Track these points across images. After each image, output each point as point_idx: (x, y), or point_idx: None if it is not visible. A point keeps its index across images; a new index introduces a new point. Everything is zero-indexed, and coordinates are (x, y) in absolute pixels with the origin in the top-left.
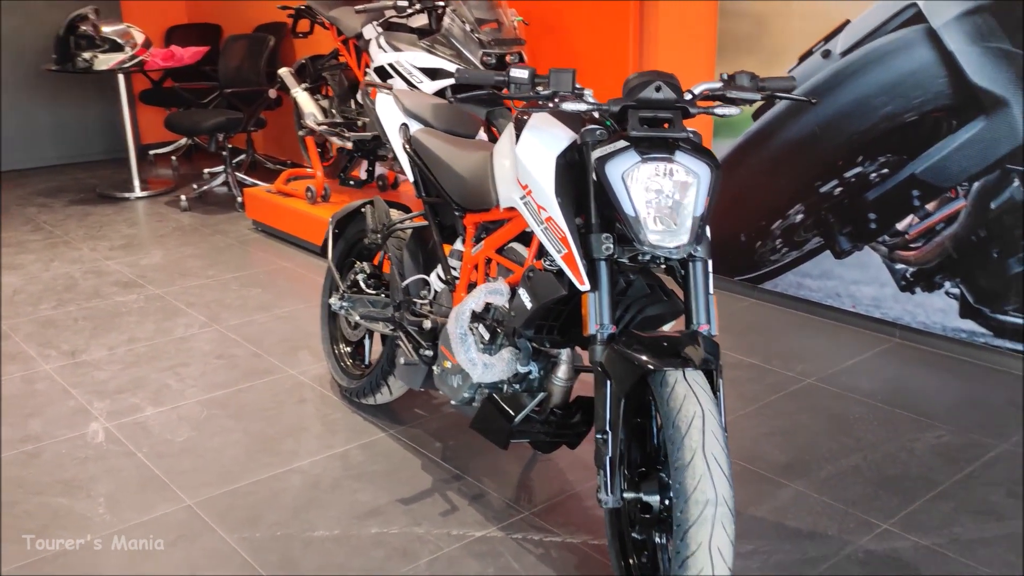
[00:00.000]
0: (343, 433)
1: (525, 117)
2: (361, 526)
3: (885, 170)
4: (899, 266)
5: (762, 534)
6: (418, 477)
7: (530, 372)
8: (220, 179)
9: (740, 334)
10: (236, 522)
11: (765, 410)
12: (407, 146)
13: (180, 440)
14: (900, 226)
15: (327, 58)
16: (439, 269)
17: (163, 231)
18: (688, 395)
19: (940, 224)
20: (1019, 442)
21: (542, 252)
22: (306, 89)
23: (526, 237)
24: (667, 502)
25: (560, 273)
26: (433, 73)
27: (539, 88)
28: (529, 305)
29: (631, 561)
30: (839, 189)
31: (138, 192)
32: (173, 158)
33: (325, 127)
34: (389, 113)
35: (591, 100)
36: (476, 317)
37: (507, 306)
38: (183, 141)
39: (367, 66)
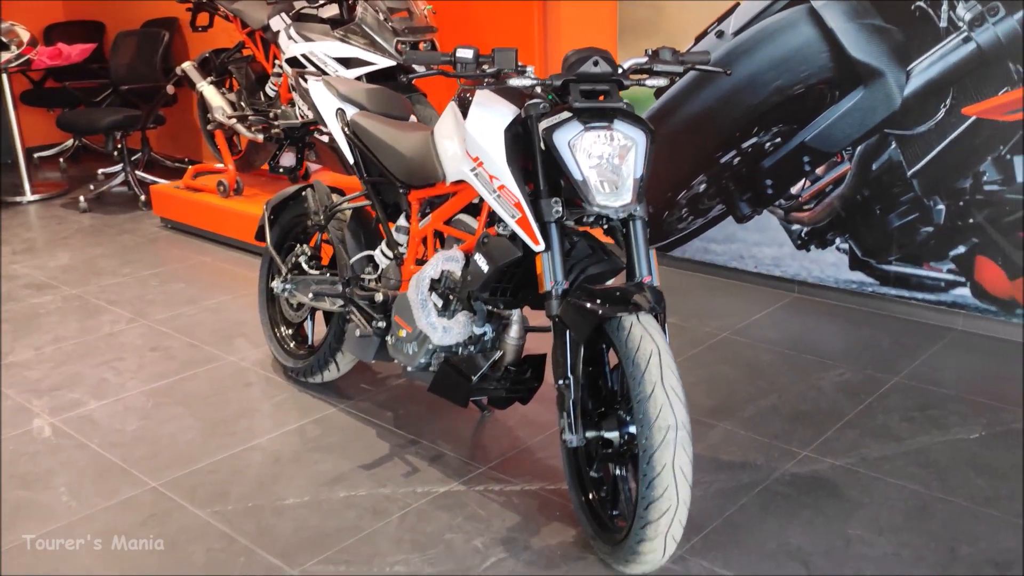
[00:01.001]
0: (294, 411)
1: (468, 95)
2: (329, 492)
3: (778, 139)
4: (795, 227)
5: (700, 468)
6: (376, 445)
7: (485, 333)
8: (119, 179)
9: None
10: (205, 498)
11: (688, 362)
12: (346, 129)
13: (131, 429)
14: (794, 190)
15: (232, 51)
16: (383, 245)
17: (65, 233)
18: (644, 336)
19: (829, 186)
20: (909, 374)
21: (491, 220)
22: (211, 83)
23: (472, 209)
24: (626, 436)
25: (513, 237)
26: (348, 62)
27: (484, 67)
28: (486, 269)
29: (591, 497)
30: (737, 159)
31: (29, 196)
32: (61, 160)
33: (235, 120)
34: (324, 99)
35: (534, 76)
36: (430, 285)
37: (460, 272)
38: (69, 142)
39: (276, 58)
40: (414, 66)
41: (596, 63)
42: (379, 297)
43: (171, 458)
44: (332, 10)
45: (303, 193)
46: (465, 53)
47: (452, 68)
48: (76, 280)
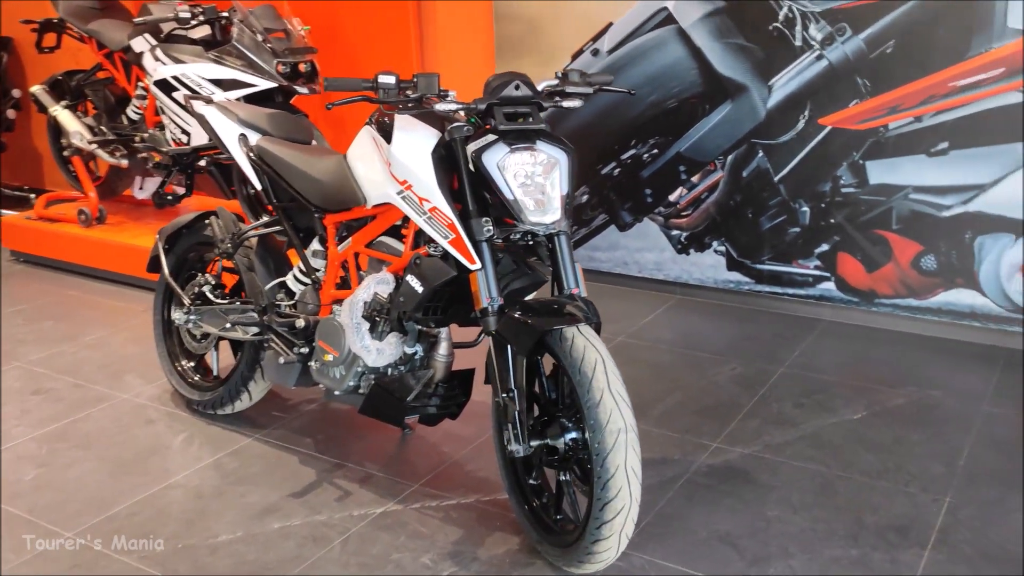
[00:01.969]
0: (207, 445)
1: (386, 120)
2: (262, 524)
3: (655, 150)
4: (674, 232)
5: None
6: (301, 472)
7: (416, 352)
8: None
9: None
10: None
11: None
12: (251, 155)
13: (29, 478)
14: (672, 198)
15: (88, 73)
16: (295, 271)
17: None
18: (587, 346)
19: (704, 193)
20: (792, 364)
21: (417, 241)
22: (66, 107)
23: (393, 231)
24: (570, 442)
25: (445, 257)
26: (224, 84)
27: (408, 92)
28: (420, 289)
29: (534, 504)
30: (617, 170)
31: None
32: None
33: (96, 145)
34: (223, 124)
35: (457, 101)
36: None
37: (390, 294)
38: None
39: (139, 80)
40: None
41: (517, 87)
42: (300, 323)
43: (82, 504)
44: (203, 31)
45: (205, 221)
46: (387, 79)
47: (375, 94)
48: None
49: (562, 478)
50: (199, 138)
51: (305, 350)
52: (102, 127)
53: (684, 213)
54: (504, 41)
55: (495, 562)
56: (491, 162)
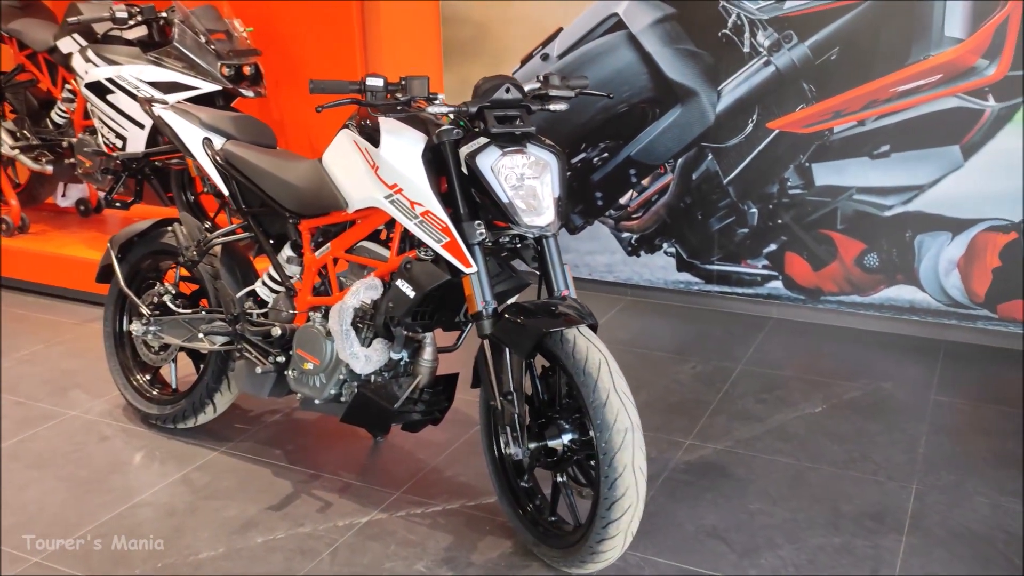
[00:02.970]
0: (171, 460)
1: (367, 123)
2: (244, 539)
3: (605, 154)
4: (624, 234)
5: None
6: (276, 483)
7: (402, 358)
8: None
9: None
10: (104, 566)
11: None
12: (218, 159)
13: None
14: (622, 201)
15: (8, 75)
16: (265, 278)
17: None
18: (589, 347)
19: (655, 196)
20: (748, 361)
21: (402, 246)
22: None
23: (373, 235)
24: (568, 443)
25: (436, 260)
26: (165, 87)
27: (397, 95)
28: (412, 294)
29: (527, 509)
30: (568, 174)
31: None
32: None
33: (19, 151)
34: (185, 128)
35: (449, 103)
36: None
37: (376, 300)
38: None
39: (67, 82)
40: (319, 93)
41: (508, 90)
42: (276, 331)
43: (46, 526)
44: (139, 31)
45: (162, 228)
46: (375, 81)
47: (362, 96)
48: None
49: (559, 479)
50: (135, 143)
51: (281, 359)
52: (24, 131)
53: (634, 216)
54: (452, 44)
55: (490, 566)
56: (485, 165)
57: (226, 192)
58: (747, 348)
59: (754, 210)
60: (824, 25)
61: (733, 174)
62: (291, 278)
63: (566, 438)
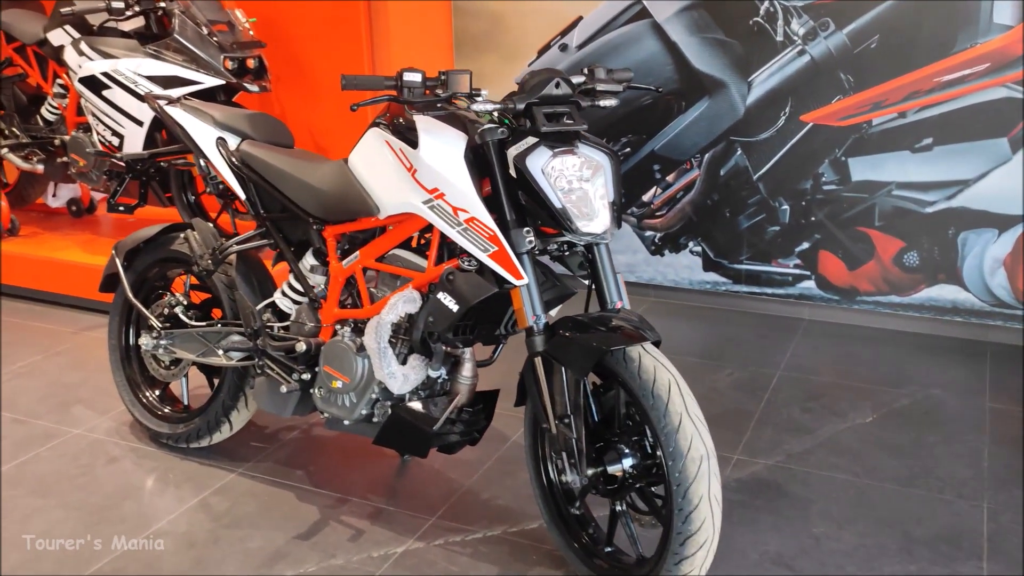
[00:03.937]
0: (186, 483)
1: (400, 120)
2: (272, 572)
3: (628, 149)
4: (648, 233)
5: None
6: (301, 509)
7: (440, 376)
8: None
9: None
10: None
11: None
12: (234, 160)
13: None
14: (645, 197)
15: None
16: (285, 287)
17: None
18: (657, 366)
19: (680, 192)
20: (787, 367)
21: (440, 255)
22: None
23: (406, 242)
24: (631, 468)
25: (481, 271)
26: (165, 81)
27: (438, 91)
28: (455, 308)
29: (582, 539)
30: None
31: None
32: None
33: (7, 149)
34: (198, 127)
35: (493, 100)
36: (358, 329)
37: (415, 314)
38: None
39: (58, 76)
40: (353, 90)
41: (558, 84)
42: (301, 347)
43: (56, 561)
44: (136, 23)
45: (172, 234)
46: (413, 77)
47: (398, 93)
48: None
49: (617, 508)
50: (132, 141)
51: (307, 376)
52: (13, 129)
53: (658, 213)
54: (464, 37)
55: None
56: (536, 167)
57: (242, 196)
58: (783, 352)
59: (786, 207)
60: (863, 12)
61: (764, 169)
62: (314, 288)
63: (627, 463)
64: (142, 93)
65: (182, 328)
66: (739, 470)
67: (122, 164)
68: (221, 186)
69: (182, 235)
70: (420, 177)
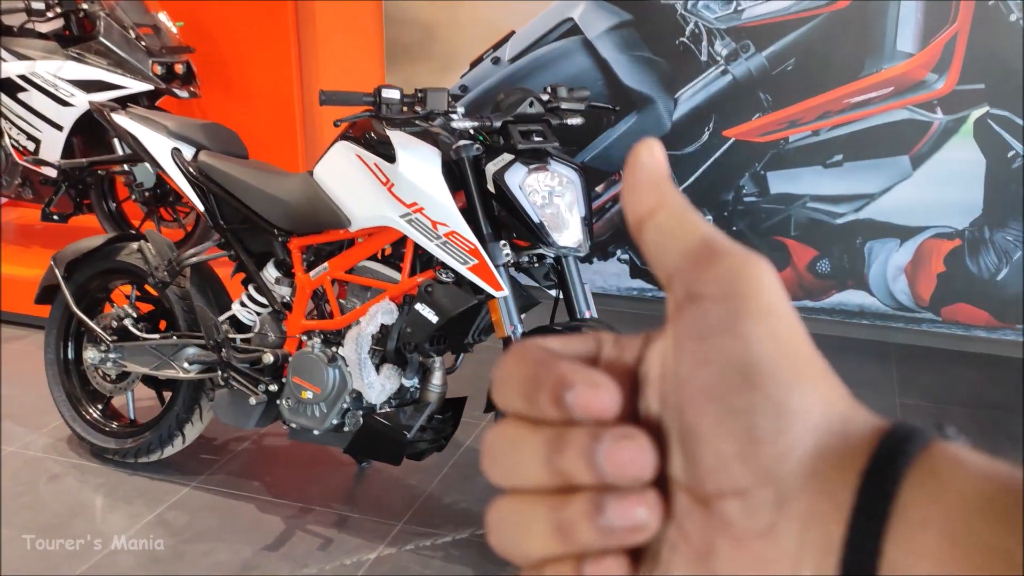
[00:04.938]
0: (138, 499)
1: (373, 136)
2: None
3: None
4: None
5: None
6: (264, 521)
7: (412, 385)
8: None
9: None
10: None
11: None
12: (191, 171)
13: None
14: None
15: None
16: (245, 299)
17: None
18: None
19: (609, 203)
20: None
21: (414, 267)
22: None
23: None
24: None
25: (459, 283)
26: (87, 85)
27: (416, 108)
28: (434, 319)
29: None
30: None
31: None
32: None
33: None
34: (151, 137)
35: (470, 118)
36: (328, 340)
37: (385, 325)
38: None
39: None
40: (332, 104)
41: (532, 103)
42: (269, 358)
43: None
44: (55, 24)
45: (123, 246)
46: (391, 93)
47: (375, 109)
48: None
49: None
50: (50, 146)
51: (274, 387)
52: None
53: None
54: (396, 45)
55: None
56: (513, 183)
57: (201, 207)
58: None
59: (709, 217)
60: (781, 36)
61: (688, 181)
62: (279, 299)
63: None
64: (63, 97)
65: (132, 340)
66: None
67: (39, 171)
68: (147, 194)
69: (135, 246)
70: (398, 191)
